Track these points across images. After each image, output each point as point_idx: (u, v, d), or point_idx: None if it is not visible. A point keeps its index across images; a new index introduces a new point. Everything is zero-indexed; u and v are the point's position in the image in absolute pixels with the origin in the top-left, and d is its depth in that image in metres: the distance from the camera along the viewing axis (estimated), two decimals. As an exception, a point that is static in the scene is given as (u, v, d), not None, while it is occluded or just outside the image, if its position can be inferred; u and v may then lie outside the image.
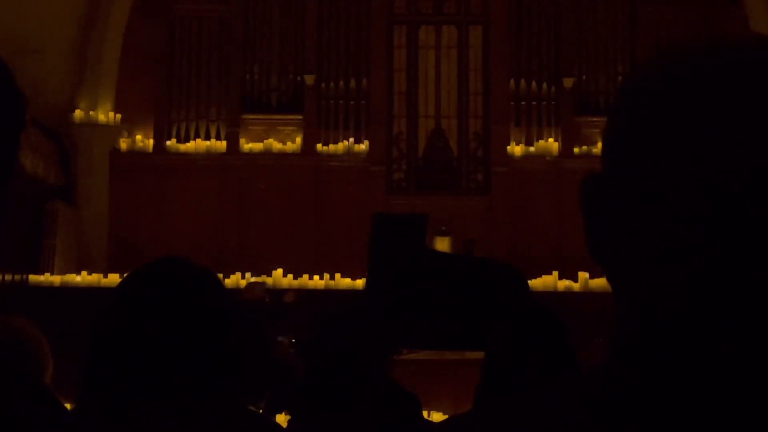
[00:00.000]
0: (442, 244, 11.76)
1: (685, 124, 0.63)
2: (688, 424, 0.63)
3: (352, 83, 15.16)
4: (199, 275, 1.55)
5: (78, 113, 14.32)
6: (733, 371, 0.61)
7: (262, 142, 15.05)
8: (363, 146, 14.94)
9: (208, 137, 15.09)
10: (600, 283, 11.89)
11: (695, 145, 0.62)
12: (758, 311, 0.60)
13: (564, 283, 11.88)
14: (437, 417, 7.17)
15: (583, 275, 11.92)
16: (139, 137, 15.04)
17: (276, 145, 15.03)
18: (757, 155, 0.60)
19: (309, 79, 15.08)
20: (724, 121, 0.61)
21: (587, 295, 11.65)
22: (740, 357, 0.61)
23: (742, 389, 0.61)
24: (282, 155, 14.91)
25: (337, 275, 12.37)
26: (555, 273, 11.99)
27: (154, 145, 15.02)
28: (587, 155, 14.90)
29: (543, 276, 11.94)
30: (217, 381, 1.48)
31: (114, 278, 12.27)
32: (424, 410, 9.50)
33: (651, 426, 0.64)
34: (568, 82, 15.02)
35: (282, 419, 7.01)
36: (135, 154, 14.90)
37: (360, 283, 11.35)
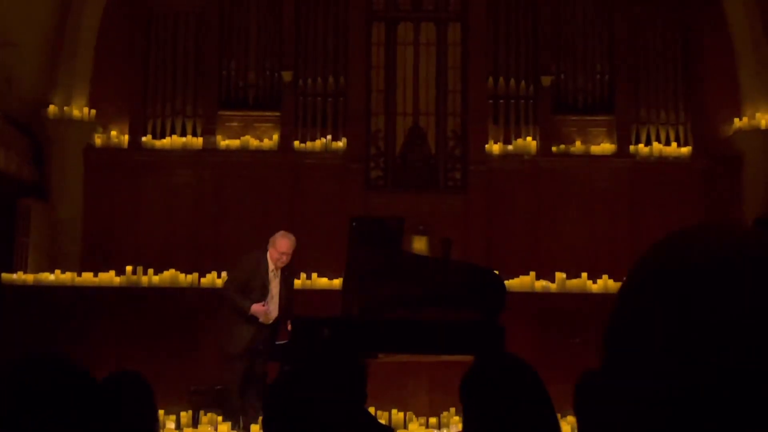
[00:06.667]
0: (420, 244, 11.70)
1: (665, 341, 0.70)
2: None
3: (330, 80, 15.07)
4: (71, 379, 1.50)
5: (52, 108, 14.16)
6: None
7: (238, 138, 14.95)
8: (341, 144, 14.87)
9: (184, 133, 14.96)
10: (576, 283, 11.88)
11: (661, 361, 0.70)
12: None
13: (541, 284, 11.86)
14: (414, 428, 7.16)
15: (560, 275, 11.90)
16: (114, 133, 14.89)
17: (253, 142, 14.93)
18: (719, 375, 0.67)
19: (286, 76, 14.99)
20: (699, 344, 0.68)
21: (564, 295, 11.64)
22: None
23: None
24: (259, 152, 14.81)
25: (314, 275, 12.28)
26: (532, 273, 11.96)
27: (130, 142, 14.88)
28: (565, 154, 14.91)
29: (520, 276, 11.92)
30: None
31: (88, 277, 12.12)
32: (402, 412, 9.44)
33: None
34: (546, 81, 15.00)
35: None
36: (110, 150, 14.75)
37: (337, 283, 11.29)
